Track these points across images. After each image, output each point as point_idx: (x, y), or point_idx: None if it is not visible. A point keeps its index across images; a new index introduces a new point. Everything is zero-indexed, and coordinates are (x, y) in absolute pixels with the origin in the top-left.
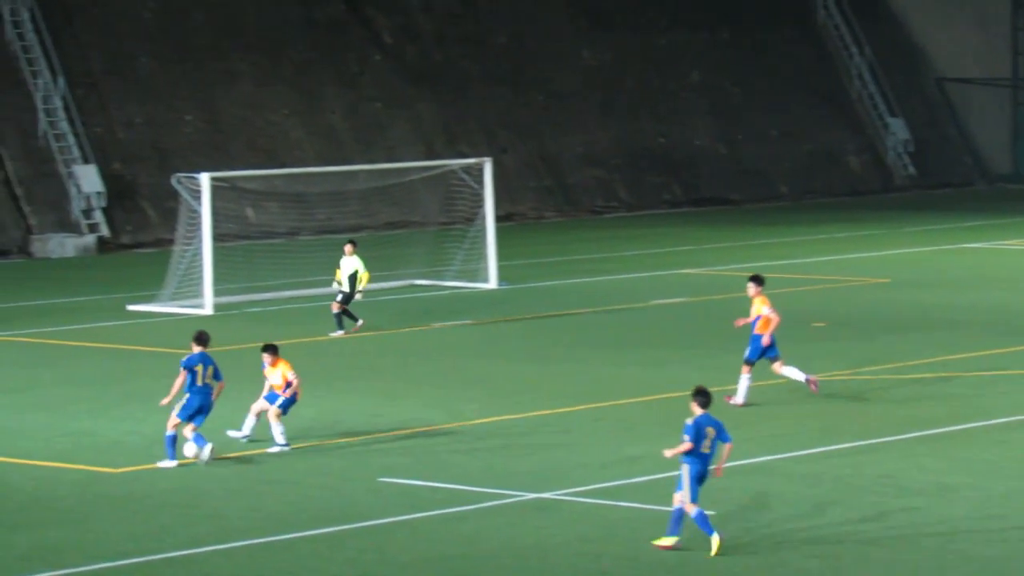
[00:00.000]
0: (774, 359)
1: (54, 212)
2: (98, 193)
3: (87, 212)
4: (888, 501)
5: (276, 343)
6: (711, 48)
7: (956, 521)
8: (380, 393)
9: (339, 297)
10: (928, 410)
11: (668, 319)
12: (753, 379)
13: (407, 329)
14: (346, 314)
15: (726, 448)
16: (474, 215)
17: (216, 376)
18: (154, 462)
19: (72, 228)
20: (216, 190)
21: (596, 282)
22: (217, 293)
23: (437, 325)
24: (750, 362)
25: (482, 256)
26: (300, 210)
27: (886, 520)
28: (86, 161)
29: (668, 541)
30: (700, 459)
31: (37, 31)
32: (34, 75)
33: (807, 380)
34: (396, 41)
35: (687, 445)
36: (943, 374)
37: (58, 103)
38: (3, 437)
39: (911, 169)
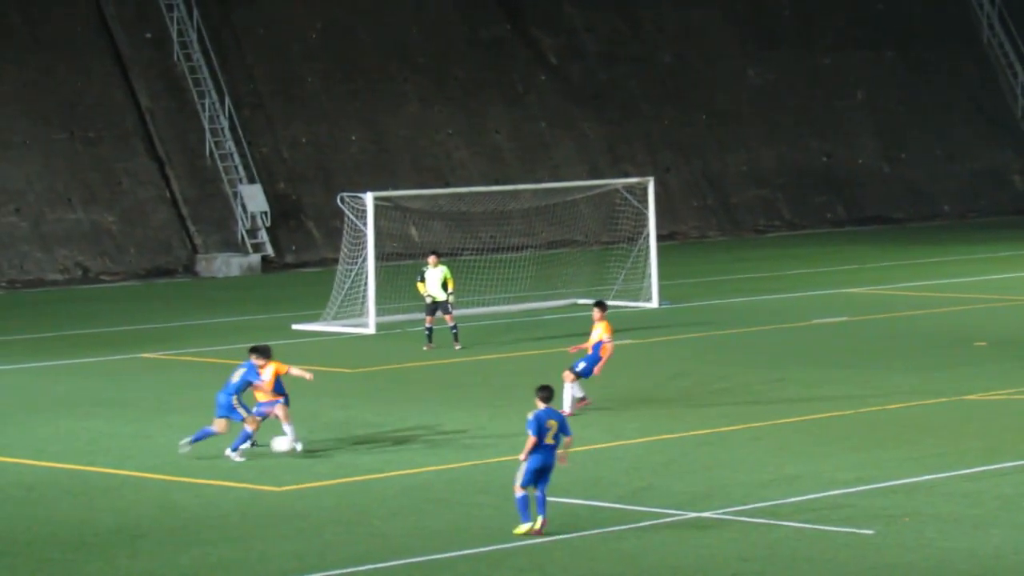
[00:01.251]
0: (579, 376)
1: (219, 232)
2: (263, 213)
3: (252, 232)
4: None
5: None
6: (875, 67)
7: None
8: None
9: (435, 312)
10: None
11: (828, 338)
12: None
13: (568, 348)
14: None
15: (566, 441)
16: (636, 234)
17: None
18: (317, 480)
19: (237, 248)
20: (380, 209)
21: (757, 301)
22: (380, 312)
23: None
24: (578, 374)
25: (644, 275)
26: (464, 229)
27: None
28: (251, 181)
29: (523, 528)
30: (542, 451)
31: (204, 52)
32: (200, 95)
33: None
34: (561, 61)
35: (531, 440)
36: None
37: (224, 123)
38: (171, 455)
39: None
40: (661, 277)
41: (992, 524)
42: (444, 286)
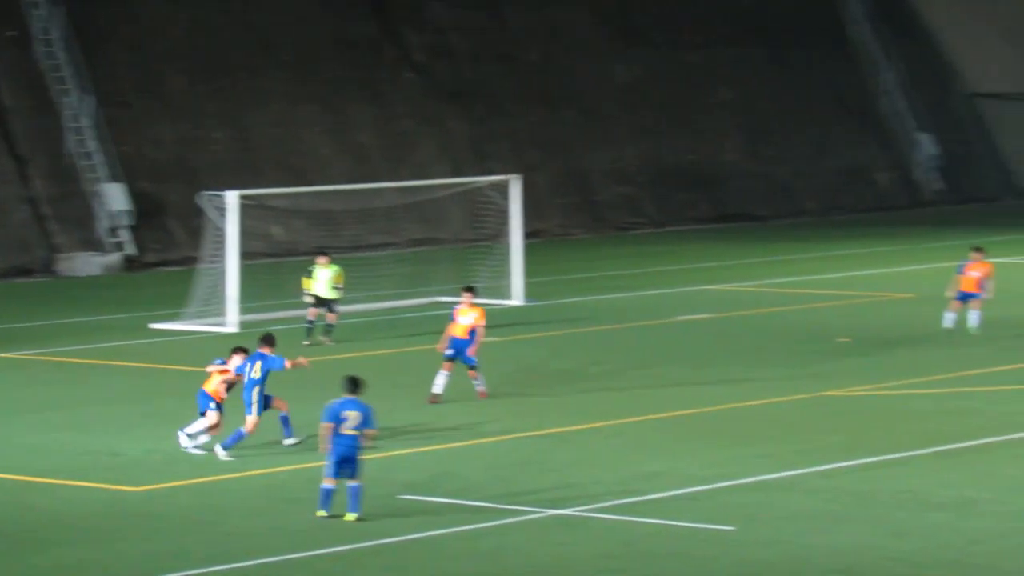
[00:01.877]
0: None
1: (80, 231)
2: (125, 211)
3: (113, 230)
4: (909, 516)
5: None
6: (742, 64)
7: (977, 535)
8: (401, 410)
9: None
10: (950, 424)
11: (692, 335)
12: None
13: (429, 346)
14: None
15: (368, 433)
16: (501, 232)
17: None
18: (174, 480)
19: (98, 247)
20: (243, 208)
21: (621, 298)
22: (243, 311)
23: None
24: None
25: (508, 273)
26: (327, 228)
27: (906, 535)
28: (114, 180)
29: (322, 512)
30: (339, 441)
31: (68, 50)
32: (63, 94)
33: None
34: (427, 59)
35: (321, 428)
36: (966, 389)
37: (87, 121)
38: (27, 456)
39: (939, 184)
40: (526, 275)
41: (850, 519)
42: (334, 285)
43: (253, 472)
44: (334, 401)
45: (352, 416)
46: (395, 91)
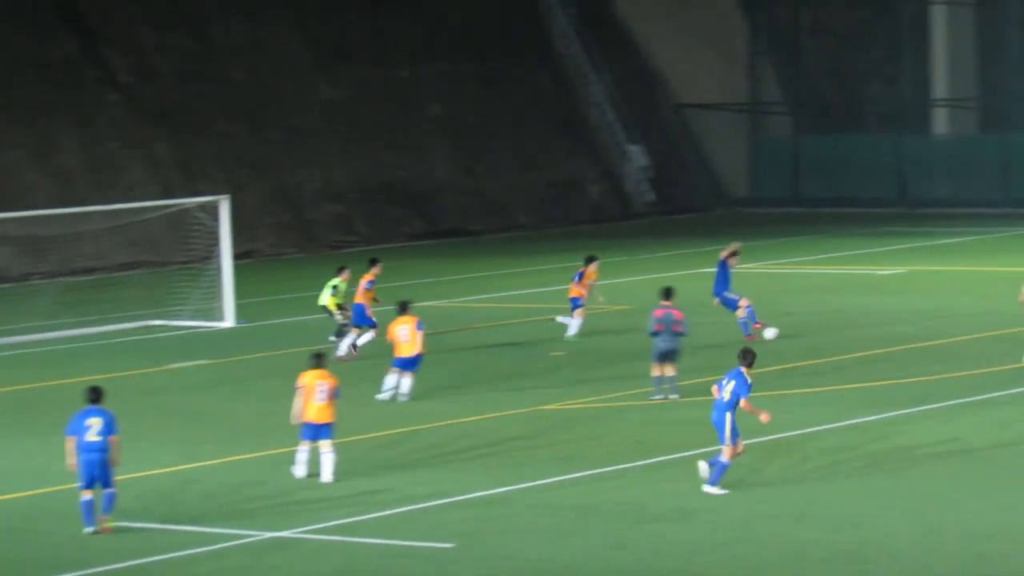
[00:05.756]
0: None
1: None
2: None
3: None
4: (629, 528)
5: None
6: (450, 80)
7: (697, 544)
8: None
9: None
10: (668, 435)
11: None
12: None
13: (142, 371)
14: None
15: (111, 439)
16: (211, 253)
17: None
18: None
19: None
20: None
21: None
22: None
23: (173, 366)
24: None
25: (219, 294)
26: (32, 254)
27: (628, 547)
28: None
29: (88, 529)
30: (86, 448)
31: None
32: None
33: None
34: (132, 80)
35: (67, 441)
36: (684, 399)
37: None
38: None
39: (650, 196)
40: (237, 296)
41: (571, 533)
42: None
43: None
44: (75, 413)
45: (95, 423)
46: (100, 113)
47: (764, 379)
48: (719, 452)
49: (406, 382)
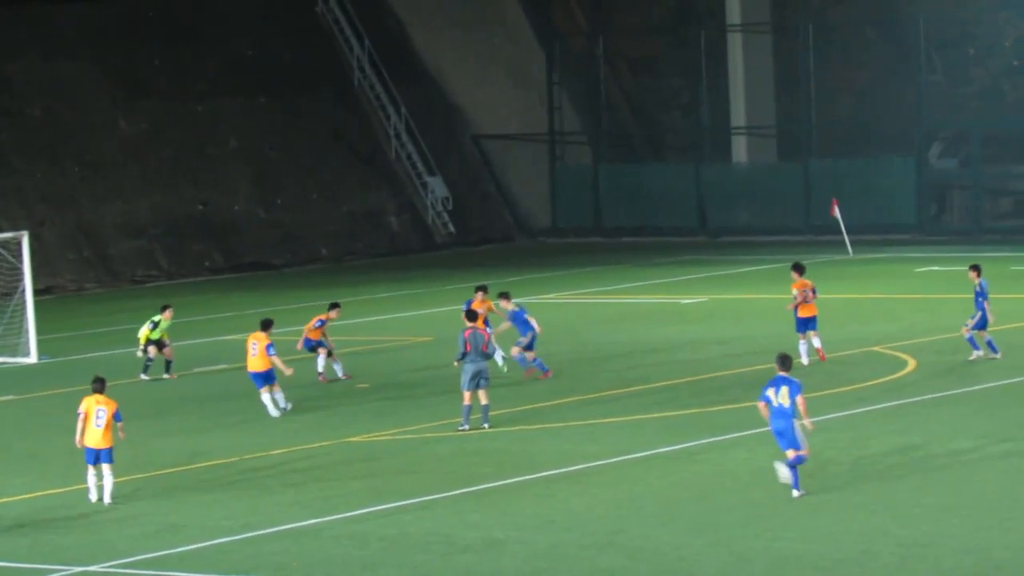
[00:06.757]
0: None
1: None
2: None
3: None
4: (437, 559)
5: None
6: (248, 114)
7: (505, 574)
8: None
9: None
10: (474, 466)
11: (208, 386)
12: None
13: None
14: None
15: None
16: (13, 289)
17: None
18: None
19: None
20: None
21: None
22: None
23: None
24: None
25: (22, 330)
26: None
27: None
28: None
29: None
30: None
31: None
32: None
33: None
34: None
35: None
36: (488, 429)
37: None
38: None
39: (451, 227)
40: (39, 331)
41: (379, 564)
42: None
43: None
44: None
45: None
46: None
47: (568, 410)
48: (793, 456)
49: (279, 396)
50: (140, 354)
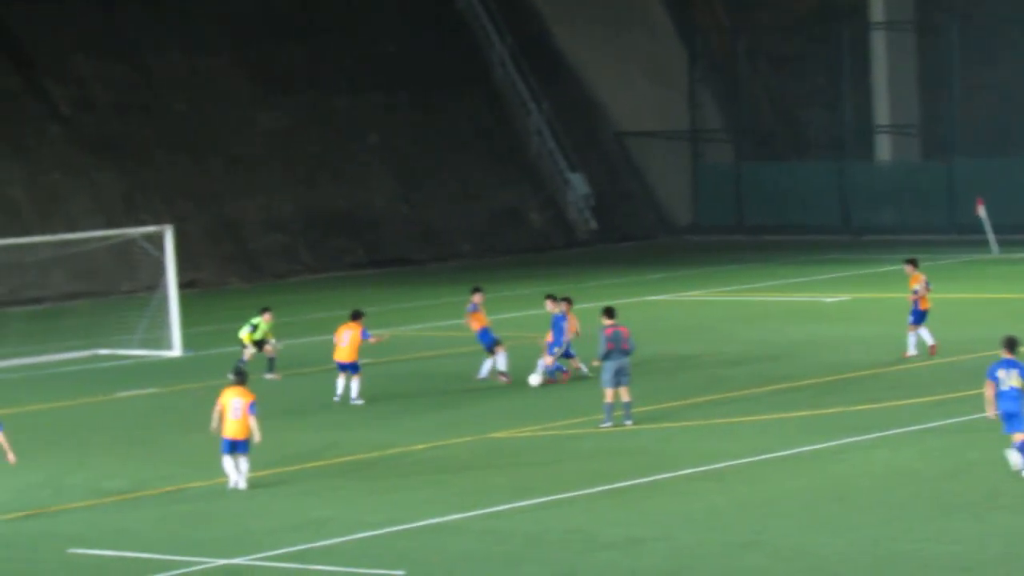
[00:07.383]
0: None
1: None
2: None
3: None
4: (578, 556)
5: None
6: (388, 109)
7: (646, 572)
8: (66, 464)
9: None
10: (615, 463)
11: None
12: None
13: (91, 399)
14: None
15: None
16: (156, 283)
17: None
18: None
19: None
20: None
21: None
22: None
23: (121, 394)
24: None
25: (166, 324)
26: None
27: (576, 575)
28: None
29: None
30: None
31: None
32: None
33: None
34: (72, 111)
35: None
36: (631, 427)
37: None
38: None
39: (593, 224)
40: (183, 325)
41: (520, 560)
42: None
43: None
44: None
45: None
46: (42, 145)
47: (709, 408)
48: (1021, 440)
49: (354, 384)
50: (248, 355)
